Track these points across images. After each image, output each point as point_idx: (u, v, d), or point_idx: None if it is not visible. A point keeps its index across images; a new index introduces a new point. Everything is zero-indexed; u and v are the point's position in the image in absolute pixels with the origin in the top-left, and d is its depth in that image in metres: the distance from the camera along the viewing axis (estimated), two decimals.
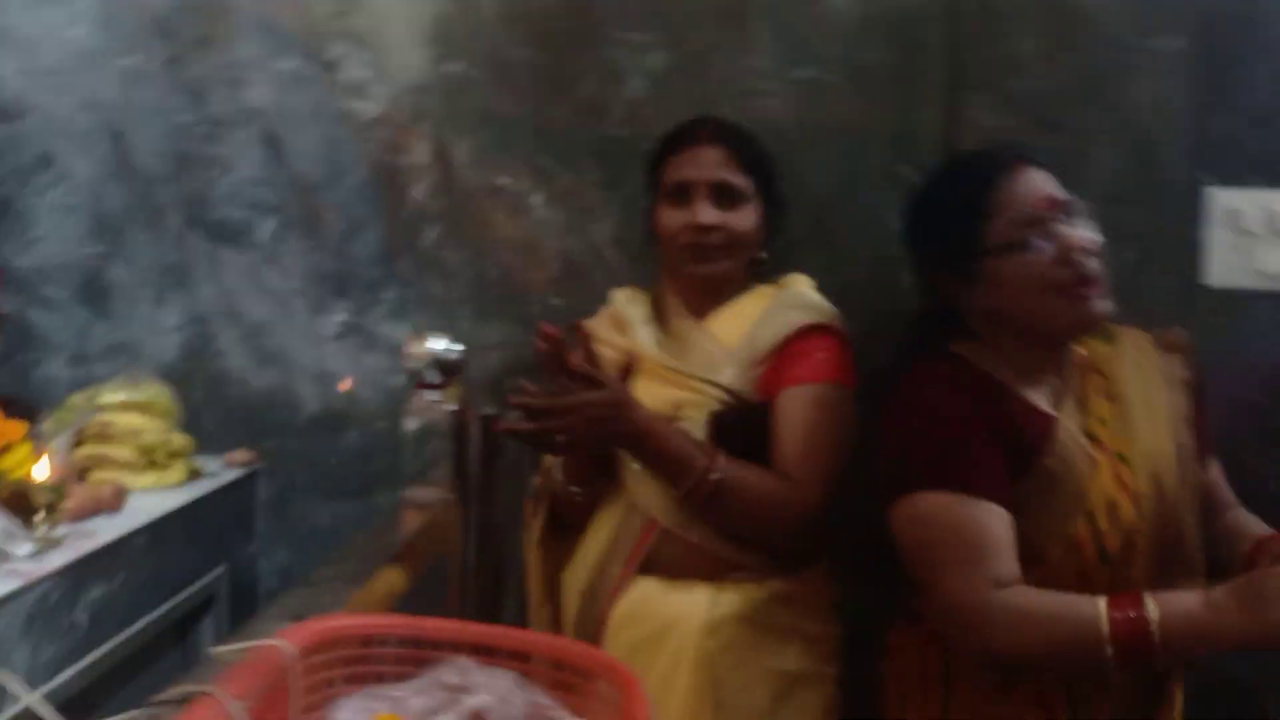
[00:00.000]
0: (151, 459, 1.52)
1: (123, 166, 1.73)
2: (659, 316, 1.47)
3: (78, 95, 1.72)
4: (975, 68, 1.49)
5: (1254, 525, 1.25)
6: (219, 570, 1.59)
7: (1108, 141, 1.43)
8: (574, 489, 1.39)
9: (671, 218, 1.40)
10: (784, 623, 1.34)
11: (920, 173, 1.57)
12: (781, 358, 1.37)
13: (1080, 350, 1.25)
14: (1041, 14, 1.47)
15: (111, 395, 1.53)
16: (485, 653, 0.65)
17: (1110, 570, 1.15)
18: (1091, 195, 1.49)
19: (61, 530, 1.19)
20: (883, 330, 1.39)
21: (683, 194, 1.39)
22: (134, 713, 0.57)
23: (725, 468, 1.27)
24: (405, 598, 0.91)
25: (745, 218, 1.39)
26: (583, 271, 1.68)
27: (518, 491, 1.50)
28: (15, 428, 1.26)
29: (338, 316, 1.73)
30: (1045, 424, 1.17)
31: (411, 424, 1.02)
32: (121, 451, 1.49)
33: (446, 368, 1.04)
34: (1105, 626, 1.01)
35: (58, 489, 1.20)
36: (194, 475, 1.57)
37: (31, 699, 0.54)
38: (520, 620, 1.50)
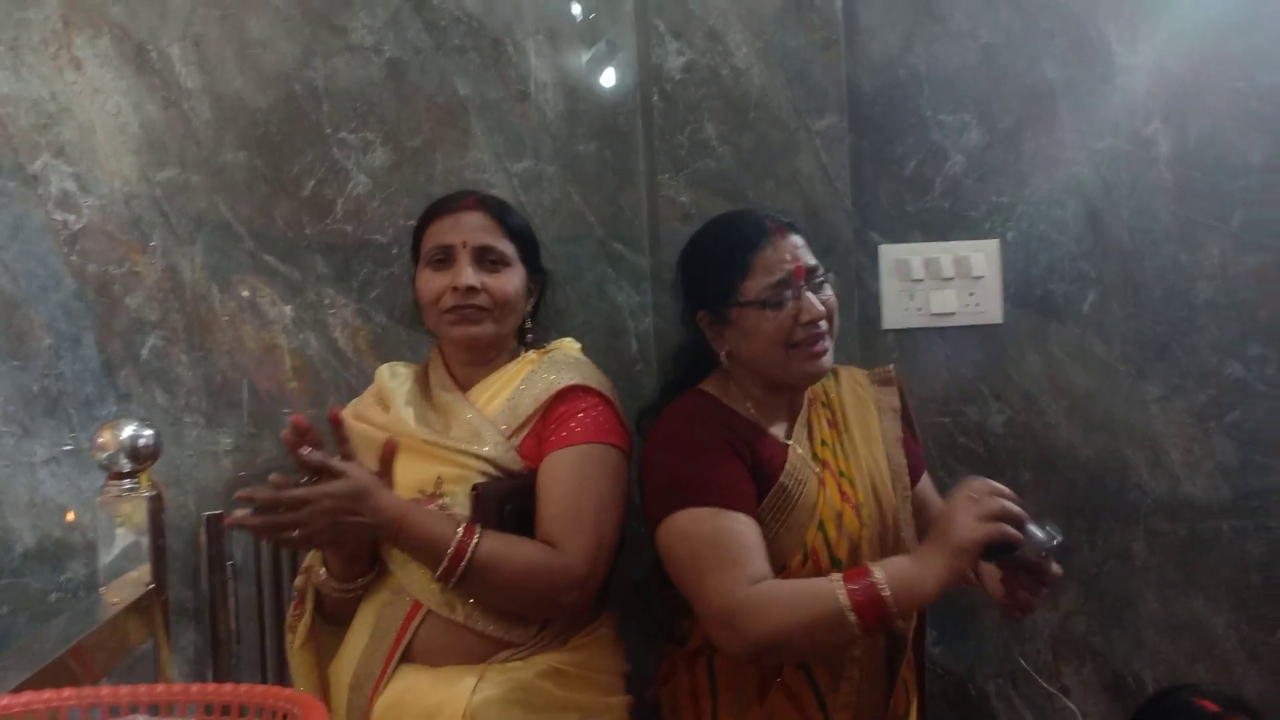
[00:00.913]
0: None
1: None
2: (424, 390, 1.43)
3: None
4: (668, 152, 1.64)
5: None
6: None
7: (783, 208, 1.61)
8: (344, 586, 1.32)
9: (433, 281, 1.38)
10: (556, 699, 1.29)
11: (631, 248, 1.72)
12: (544, 422, 1.34)
13: (809, 388, 1.41)
14: (717, 103, 1.65)
15: None
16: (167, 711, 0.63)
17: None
18: None
19: None
20: (622, 396, 1.44)
21: (445, 258, 1.38)
22: None
23: (482, 543, 1.23)
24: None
25: (509, 281, 1.38)
26: (317, 367, 1.68)
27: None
28: None
29: (48, 438, 1.62)
30: (780, 451, 1.33)
31: (104, 516, 0.97)
32: None
33: (139, 454, 1.00)
34: (844, 597, 1.14)
35: None
36: None
37: None
38: None
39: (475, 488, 1.29)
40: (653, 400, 1.48)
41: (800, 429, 1.37)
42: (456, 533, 1.23)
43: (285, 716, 0.61)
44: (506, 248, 1.39)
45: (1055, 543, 1.16)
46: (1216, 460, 1.84)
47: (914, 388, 1.65)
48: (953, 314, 1.78)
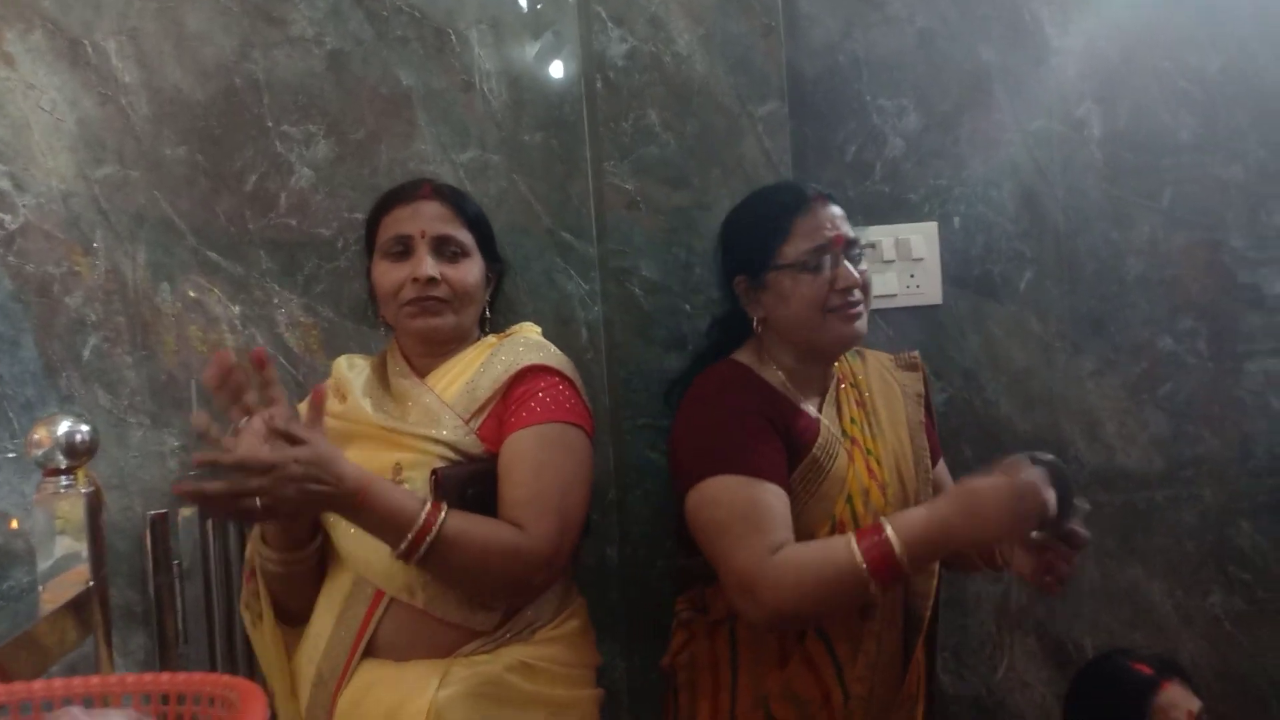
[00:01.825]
0: None
1: None
2: (382, 380, 1.40)
3: None
4: (612, 140, 1.65)
5: None
6: None
7: (728, 194, 1.63)
8: (282, 557, 1.28)
9: (391, 273, 1.35)
10: (523, 693, 1.26)
11: (579, 237, 1.73)
12: (504, 404, 1.31)
13: (838, 366, 1.45)
14: (660, 90, 1.67)
15: None
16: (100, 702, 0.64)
17: None
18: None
19: None
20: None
21: (403, 249, 1.35)
22: None
23: (449, 520, 1.18)
24: None
25: (469, 272, 1.36)
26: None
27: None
28: None
29: None
30: (812, 424, 1.36)
31: (41, 515, 0.96)
32: None
33: (75, 450, 0.99)
34: (858, 554, 1.17)
35: None
36: None
37: None
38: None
39: (435, 472, 1.26)
40: (680, 373, 1.51)
41: (830, 406, 1.40)
42: (424, 508, 1.17)
43: (223, 704, 0.62)
44: (465, 237, 1.37)
45: (1085, 510, 1.22)
46: (1150, 432, 1.90)
47: None
48: (894, 296, 1.82)
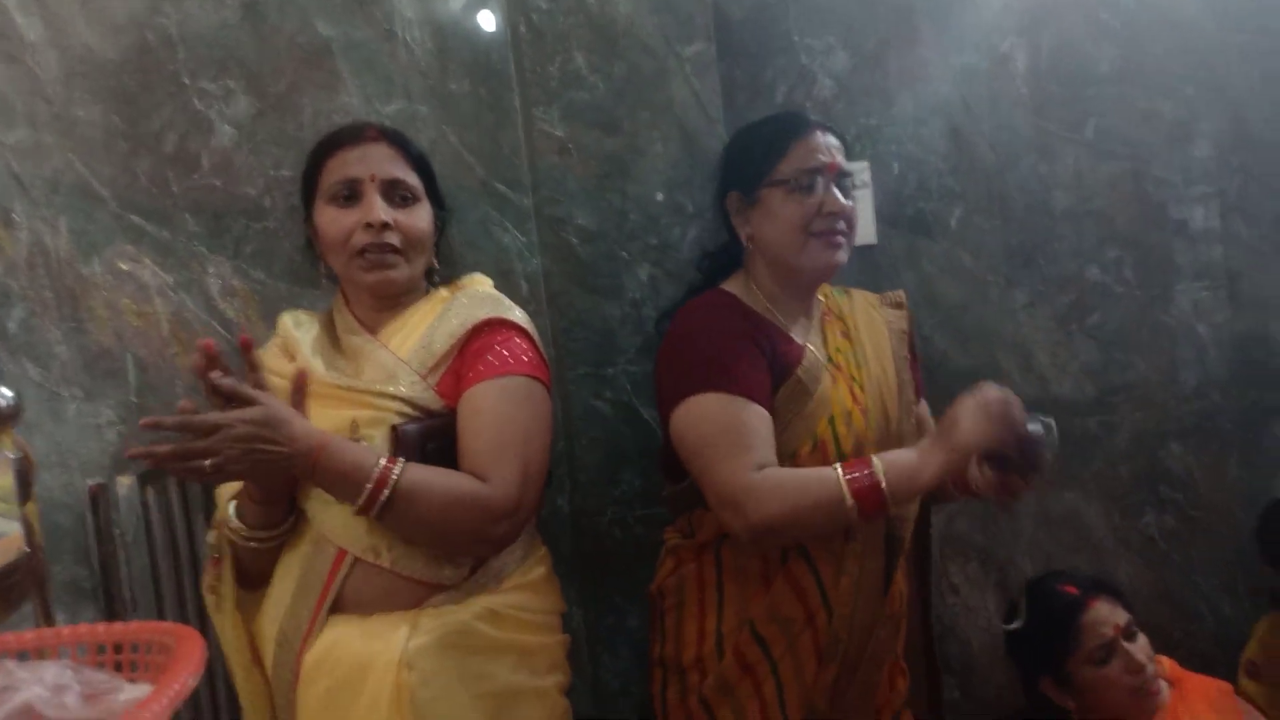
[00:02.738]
0: None
1: None
2: (331, 337, 1.36)
3: None
4: (540, 85, 1.63)
5: None
6: None
7: (659, 137, 1.63)
8: (259, 535, 1.25)
9: (341, 219, 1.28)
10: (492, 640, 1.25)
11: (513, 188, 1.71)
12: (461, 358, 1.29)
13: (822, 299, 1.48)
14: (585, 32, 1.65)
15: None
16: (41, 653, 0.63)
17: None
18: (651, 184, 1.70)
19: None
20: None
21: (351, 194, 1.29)
22: None
23: (407, 472, 1.16)
24: None
25: (420, 217, 1.32)
26: (197, 330, 1.63)
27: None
28: None
29: None
30: (797, 349, 1.39)
31: None
32: None
33: None
34: (844, 484, 1.22)
35: None
36: None
37: None
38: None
39: (394, 428, 1.23)
40: (670, 306, 1.52)
41: (815, 335, 1.44)
42: (379, 462, 1.16)
43: (160, 649, 0.61)
44: (414, 180, 1.32)
45: (1051, 434, 1.25)
46: (1081, 361, 1.95)
47: None
48: None
